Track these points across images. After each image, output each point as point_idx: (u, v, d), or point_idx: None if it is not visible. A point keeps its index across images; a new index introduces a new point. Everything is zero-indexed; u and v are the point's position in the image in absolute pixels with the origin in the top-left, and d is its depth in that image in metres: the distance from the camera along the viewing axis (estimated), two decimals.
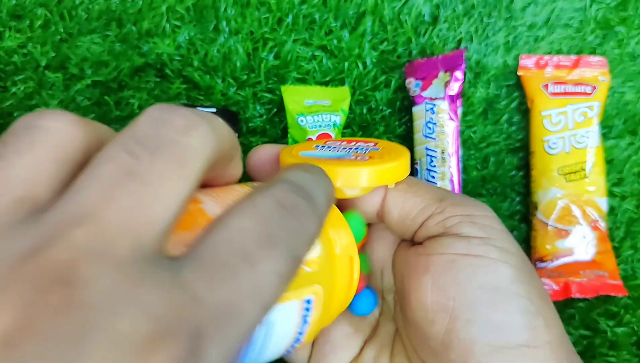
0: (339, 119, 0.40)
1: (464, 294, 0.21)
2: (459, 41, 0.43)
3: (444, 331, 0.21)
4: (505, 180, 0.42)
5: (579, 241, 0.39)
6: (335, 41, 0.42)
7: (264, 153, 0.25)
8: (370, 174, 0.23)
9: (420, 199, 0.24)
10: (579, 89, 0.41)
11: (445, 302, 0.21)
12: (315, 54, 0.42)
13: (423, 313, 0.22)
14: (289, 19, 0.42)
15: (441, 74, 0.40)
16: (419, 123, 0.40)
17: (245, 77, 0.41)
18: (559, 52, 0.43)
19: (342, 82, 0.42)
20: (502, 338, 0.20)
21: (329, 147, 0.26)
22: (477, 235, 0.22)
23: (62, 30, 0.41)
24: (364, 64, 0.42)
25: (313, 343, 0.26)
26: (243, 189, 0.21)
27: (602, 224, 0.40)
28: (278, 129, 0.41)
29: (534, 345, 0.20)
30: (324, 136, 0.39)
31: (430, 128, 0.39)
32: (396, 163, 0.24)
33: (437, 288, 0.22)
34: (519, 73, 0.42)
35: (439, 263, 0.22)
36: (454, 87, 0.40)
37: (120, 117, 0.41)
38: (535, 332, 0.21)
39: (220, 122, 0.16)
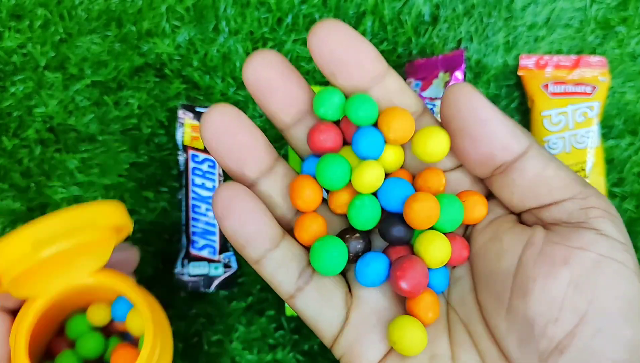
0: None
1: (602, 300, 0.19)
2: (459, 41, 0.43)
3: (567, 333, 0.19)
4: None
5: None
6: None
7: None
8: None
9: (564, 174, 0.21)
10: (579, 89, 0.41)
11: (580, 304, 0.19)
12: None
13: (546, 308, 0.19)
14: (289, 19, 0.42)
15: (441, 74, 0.40)
16: None
17: None
18: (559, 52, 0.43)
19: None
20: (624, 356, 0.19)
21: None
22: (619, 239, 0.20)
23: (61, 30, 0.41)
24: None
25: (350, 310, 0.22)
26: None
27: None
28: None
29: None
30: None
31: None
32: None
33: (574, 286, 0.19)
34: (519, 73, 0.42)
35: (581, 260, 0.20)
36: None
37: (119, 117, 0.40)
38: None
39: None
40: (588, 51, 0.43)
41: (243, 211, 0.21)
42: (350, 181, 0.22)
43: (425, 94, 0.40)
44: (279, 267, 0.22)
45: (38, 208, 0.39)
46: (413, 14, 0.42)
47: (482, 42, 0.43)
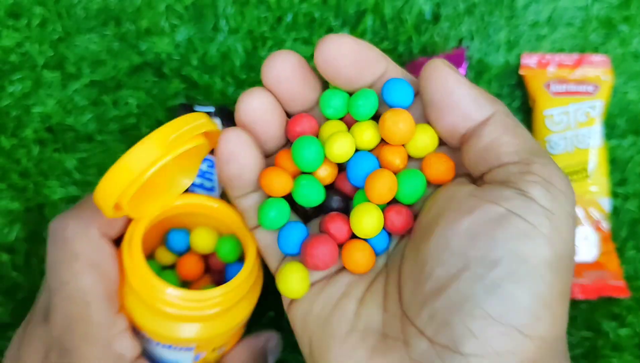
0: None
1: (492, 251, 0.19)
2: (461, 40, 0.42)
3: (450, 276, 0.19)
4: None
5: (581, 242, 0.39)
6: None
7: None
8: None
9: (517, 142, 0.21)
10: (581, 88, 0.40)
11: (470, 252, 0.19)
12: None
13: (438, 252, 0.20)
14: (289, 18, 0.41)
15: None
16: None
17: (244, 76, 0.41)
18: (561, 51, 0.42)
19: None
20: (501, 311, 0.19)
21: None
22: (543, 204, 0.19)
23: (59, 29, 0.41)
24: None
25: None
26: None
27: (605, 225, 0.39)
28: None
29: (527, 334, 0.19)
30: None
31: None
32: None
33: (470, 235, 0.20)
34: (521, 72, 0.41)
35: (485, 212, 0.20)
36: None
37: (118, 116, 0.40)
38: (536, 322, 0.19)
39: None
40: (590, 49, 0.42)
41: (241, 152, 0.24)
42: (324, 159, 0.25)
43: None
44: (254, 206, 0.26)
45: (36, 208, 0.39)
46: (414, 13, 0.42)
47: (483, 41, 0.42)
